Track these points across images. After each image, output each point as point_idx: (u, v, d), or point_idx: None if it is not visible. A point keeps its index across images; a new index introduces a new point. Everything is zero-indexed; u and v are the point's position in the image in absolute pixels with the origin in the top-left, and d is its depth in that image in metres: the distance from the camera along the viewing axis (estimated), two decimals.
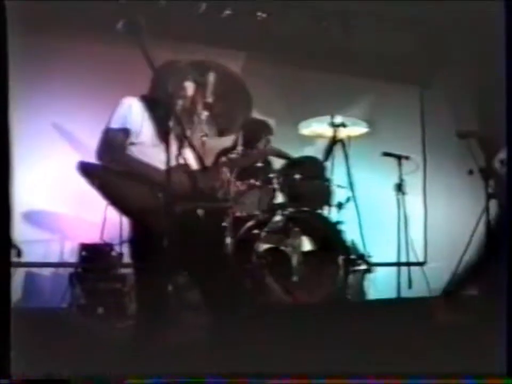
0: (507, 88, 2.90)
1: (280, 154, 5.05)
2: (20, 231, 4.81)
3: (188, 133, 3.83)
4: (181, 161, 3.74)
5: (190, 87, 3.95)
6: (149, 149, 3.72)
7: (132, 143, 3.73)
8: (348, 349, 3.14)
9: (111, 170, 3.63)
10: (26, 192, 5.28)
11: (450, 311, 3.88)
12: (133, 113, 3.74)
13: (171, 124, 3.60)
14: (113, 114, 3.74)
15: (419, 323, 3.63)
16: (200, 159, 3.83)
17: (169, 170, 3.31)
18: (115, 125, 3.71)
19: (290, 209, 4.75)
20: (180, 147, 3.78)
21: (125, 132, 3.71)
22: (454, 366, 2.75)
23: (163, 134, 3.77)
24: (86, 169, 3.61)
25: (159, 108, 3.77)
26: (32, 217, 5.49)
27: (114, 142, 3.68)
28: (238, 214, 4.65)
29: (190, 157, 3.87)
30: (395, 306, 4.63)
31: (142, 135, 3.75)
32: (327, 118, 5.53)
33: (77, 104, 5.54)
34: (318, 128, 5.69)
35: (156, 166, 3.65)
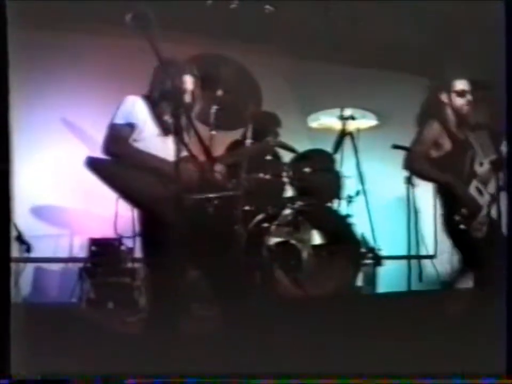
0: (507, 88, 2.89)
1: (286, 147, 5.04)
2: (29, 226, 4.84)
3: (192, 125, 3.84)
4: (188, 154, 3.75)
5: (189, 81, 3.96)
6: (152, 145, 3.73)
7: (135, 140, 3.75)
8: (358, 342, 3.14)
9: (118, 164, 3.65)
10: (35, 187, 5.30)
11: (449, 310, 3.87)
12: (136, 110, 3.80)
13: (175, 118, 3.64)
14: (117, 111, 3.79)
15: (423, 318, 3.62)
16: (208, 152, 3.82)
17: (177, 162, 3.31)
18: (119, 120, 3.75)
19: (300, 203, 4.74)
20: (187, 140, 3.79)
21: (130, 126, 3.76)
22: (454, 366, 2.74)
23: (168, 128, 3.80)
24: (93, 164, 3.62)
25: (162, 103, 3.83)
26: (41, 212, 5.49)
27: (119, 136, 3.72)
28: (247, 207, 4.63)
29: (197, 150, 3.87)
30: (405, 299, 4.63)
31: (145, 132, 3.79)
32: (336, 111, 5.52)
33: (86, 98, 5.53)
34: (326, 121, 5.67)
35: (163, 158, 3.66)
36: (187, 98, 3.94)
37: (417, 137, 4.50)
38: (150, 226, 3.63)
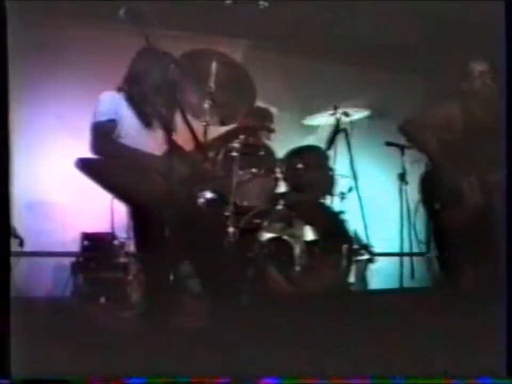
0: (507, 88, 2.89)
1: (262, 127, 5.03)
2: (22, 220, 4.83)
3: (184, 117, 3.82)
4: (174, 146, 3.75)
5: (171, 70, 3.90)
6: (137, 139, 3.72)
7: (120, 136, 3.71)
8: (349, 339, 3.14)
9: (108, 162, 3.63)
10: (29, 182, 5.28)
11: (448, 309, 3.88)
12: (116, 105, 3.74)
13: (158, 109, 3.63)
14: (97, 109, 3.72)
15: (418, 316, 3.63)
16: (199, 145, 3.82)
17: (167, 156, 3.30)
18: (101, 117, 3.69)
19: (293, 199, 4.75)
20: (172, 133, 3.77)
21: (112, 122, 3.70)
22: (454, 366, 2.75)
23: (150, 121, 3.79)
24: (84, 164, 3.60)
25: (143, 95, 3.78)
26: (34, 207, 5.48)
27: (104, 134, 3.67)
28: (240, 203, 4.64)
29: (185, 142, 3.87)
30: (397, 296, 4.65)
31: (128, 126, 3.75)
32: (330, 108, 5.53)
33: (82, 95, 5.51)
34: (320, 117, 5.68)
35: (151, 153, 3.66)
36: (171, 88, 3.88)
37: (427, 110, 4.57)
38: (142, 221, 3.61)
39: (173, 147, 3.66)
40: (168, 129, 3.68)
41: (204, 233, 3.69)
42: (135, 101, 3.79)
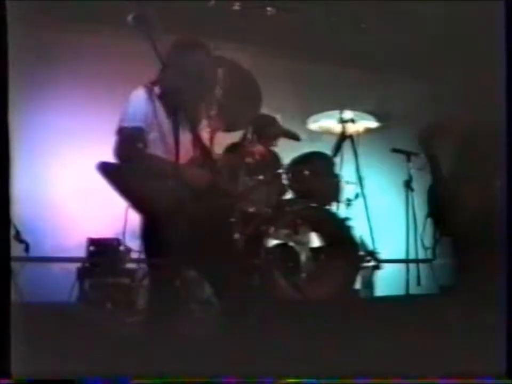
0: (507, 88, 2.89)
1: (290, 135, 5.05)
2: (28, 225, 4.84)
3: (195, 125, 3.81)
4: (193, 154, 3.74)
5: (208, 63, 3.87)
6: (164, 144, 3.68)
7: (148, 140, 3.68)
8: (355, 346, 3.14)
9: (130, 169, 3.60)
10: (35, 187, 5.30)
11: (450, 310, 3.86)
12: (144, 107, 3.67)
13: (181, 114, 3.60)
14: (125, 111, 3.70)
15: (421, 322, 3.62)
16: (208, 153, 3.81)
17: (183, 164, 3.28)
18: (129, 123, 3.65)
19: (299, 205, 4.74)
20: (189, 139, 3.75)
21: (140, 129, 3.65)
22: (454, 365, 2.74)
23: (174, 127, 3.74)
24: (105, 169, 3.59)
25: (169, 95, 3.69)
26: (40, 212, 5.49)
27: (130, 140, 3.63)
28: (246, 209, 4.63)
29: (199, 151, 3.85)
30: (403, 303, 4.63)
31: (156, 126, 3.69)
32: (336, 113, 5.52)
33: (85, 99, 5.54)
34: (326, 123, 5.67)
35: (173, 162, 3.63)
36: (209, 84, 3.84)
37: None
38: (152, 228, 3.59)
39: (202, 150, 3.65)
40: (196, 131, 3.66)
41: (210, 240, 3.68)
42: (166, 99, 3.70)
